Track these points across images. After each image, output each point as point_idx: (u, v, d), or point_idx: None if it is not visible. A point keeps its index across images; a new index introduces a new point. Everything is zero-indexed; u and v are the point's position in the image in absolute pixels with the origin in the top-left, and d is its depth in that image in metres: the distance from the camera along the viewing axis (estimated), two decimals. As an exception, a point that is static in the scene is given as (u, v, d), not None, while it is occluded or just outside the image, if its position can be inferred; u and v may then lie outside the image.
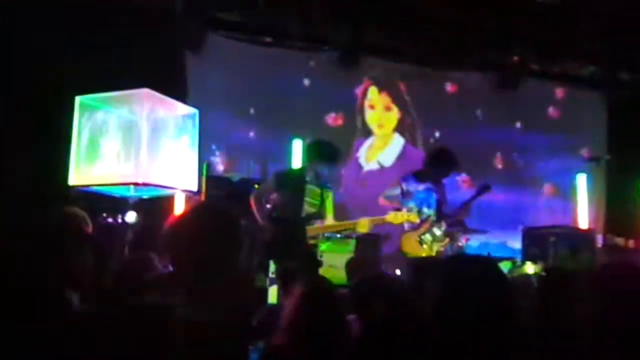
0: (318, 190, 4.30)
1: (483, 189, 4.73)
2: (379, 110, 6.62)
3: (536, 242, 5.23)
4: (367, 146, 6.53)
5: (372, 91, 6.61)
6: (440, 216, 4.68)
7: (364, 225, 4.27)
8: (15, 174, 3.87)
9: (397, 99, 6.66)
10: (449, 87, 6.87)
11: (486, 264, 1.68)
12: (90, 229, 2.31)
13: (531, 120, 6.99)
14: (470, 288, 1.51)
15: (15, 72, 4.07)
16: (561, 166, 6.85)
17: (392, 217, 4.35)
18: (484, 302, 1.47)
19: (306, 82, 6.26)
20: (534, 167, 6.98)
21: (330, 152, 4.23)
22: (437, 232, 4.62)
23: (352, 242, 4.32)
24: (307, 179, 4.27)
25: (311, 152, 4.31)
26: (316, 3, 5.51)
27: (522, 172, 6.96)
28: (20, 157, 3.95)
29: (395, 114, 6.65)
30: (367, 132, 6.55)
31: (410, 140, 6.66)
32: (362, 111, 6.55)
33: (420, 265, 3.99)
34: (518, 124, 7.03)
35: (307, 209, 4.25)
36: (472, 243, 5.06)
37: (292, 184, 4.23)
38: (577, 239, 5.33)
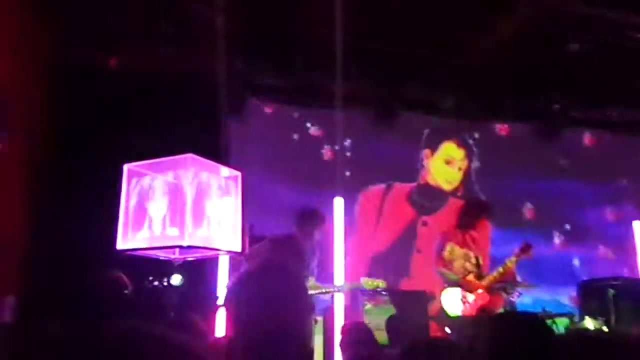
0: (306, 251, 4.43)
1: (524, 248, 4.58)
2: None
3: (594, 296, 4.98)
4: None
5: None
6: (480, 273, 4.56)
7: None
8: (68, 239, 3.98)
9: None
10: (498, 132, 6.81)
11: (533, 320, 1.69)
12: (130, 292, 2.33)
13: (579, 169, 6.80)
14: (518, 346, 1.54)
15: (67, 143, 4.27)
16: (614, 215, 6.59)
17: (364, 282, 4.57)
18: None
19: (346, 142, 6.30)
20: (585, 217, 6.72)
21: (315, 217, 4.49)
22: (479, 289, 4.47)
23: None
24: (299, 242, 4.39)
25: (300, 219, 4.46)
26: (351, 61, 5.63)
27: (572, 223, 6.70)
28: (73, 223, 4.07)
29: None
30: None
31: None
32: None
33: (470, 325, 3.86)
34: (566, 173, 6.85)
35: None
36: (524, 299, 4.85)
37: (284, 247, 4.30)
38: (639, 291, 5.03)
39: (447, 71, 5.92)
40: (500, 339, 1.61)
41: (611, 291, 4.71)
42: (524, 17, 5.04)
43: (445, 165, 6.58)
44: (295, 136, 6.15)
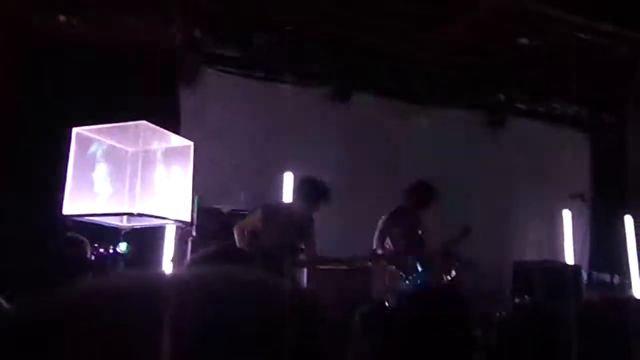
0: (305, 224, 4.32)
1: (464, 231, 4.77)
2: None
3: (525, 277, 5.31)
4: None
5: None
6: (422, 251, 4.75)
7: (363, 260, 4.38)
8: (13, 203, 3.90)
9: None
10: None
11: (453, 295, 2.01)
12: (91, 254, 2.38)
13: (516, 158, 7.13)
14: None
15: (13, 104, 4.15)
16: (547, 202, 6.98)
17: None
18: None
19: (298, 116, 6.37)
20: (521, 203, 7.11)
21: (323, 189, 4.28)
22: (420, 268, 4.67)
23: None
24: (294, 213, 4.30)
25: (303, 189, 4.35)
26: (309, 41, 5.70)
27: (509, 208, 7.06)
28: (17, 187, 3.99)
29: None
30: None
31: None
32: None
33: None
34: (504, 160, 7.17)
35: (293, 241, 4.25)
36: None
37: (279, 217, 4.24)
38: (564, 274, 5.41)
39: (403, 61, 6.08)
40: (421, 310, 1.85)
41: (539, 273, 5.05)
42: (478, 13, 5.21)
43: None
44: (250, 109, 6.17)
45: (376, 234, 4.79)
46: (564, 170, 7.15)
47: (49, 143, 4.03)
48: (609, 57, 6.08)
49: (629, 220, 6.37)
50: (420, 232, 4.84)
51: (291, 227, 4.18)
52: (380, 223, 4.80)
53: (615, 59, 6.06)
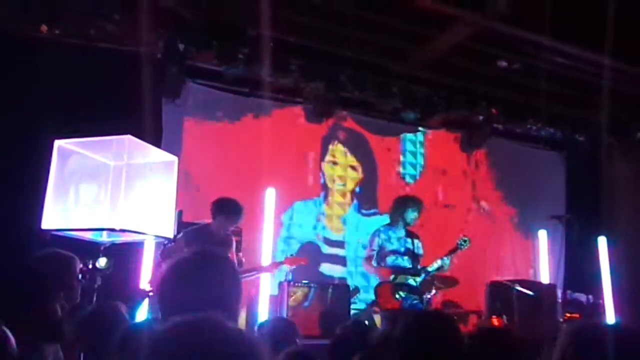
0: (225, 239, 4.45)
1: (462, 243, 4.83)
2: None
3: (500, 296, 5.37)
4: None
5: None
6: (416, 268, 4.78)
7: (267, 268, 4.79)
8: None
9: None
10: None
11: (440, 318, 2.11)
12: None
13: (495, 177, 7.27)
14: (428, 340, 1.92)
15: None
16: (523, 222, 7.10)
17: (289, 260, 4.76)
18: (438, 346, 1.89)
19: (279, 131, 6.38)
20: (497, 223, 7.21)
21: (237, 208, 4.41)
22: (413, 283, 4.71)
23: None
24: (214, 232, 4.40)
25: (220, 208, 4.41)
26: (293, 58, 5.72)
27: (485, 227, 7.17)
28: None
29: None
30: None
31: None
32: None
33: (393, 318, 4.07)
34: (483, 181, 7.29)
35: None
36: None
37: (202, 239, 4.28)
38: (539, 293, 5.49)
39: (386, 77, 6.14)
40: (414, 333, 1.93)
41: (515, 292, 5.11)
42: (461, 33, 5.31)
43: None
44: (232, 124, 6.15)
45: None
46: (540, 190, 7.31)
47: (27, 154, 3.94)
48: (584, 80, 6.24)
49: (602, 241, 6.51)
50: None
51: (213, 245, 4.22)
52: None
53: (590, 81, 6.23)
